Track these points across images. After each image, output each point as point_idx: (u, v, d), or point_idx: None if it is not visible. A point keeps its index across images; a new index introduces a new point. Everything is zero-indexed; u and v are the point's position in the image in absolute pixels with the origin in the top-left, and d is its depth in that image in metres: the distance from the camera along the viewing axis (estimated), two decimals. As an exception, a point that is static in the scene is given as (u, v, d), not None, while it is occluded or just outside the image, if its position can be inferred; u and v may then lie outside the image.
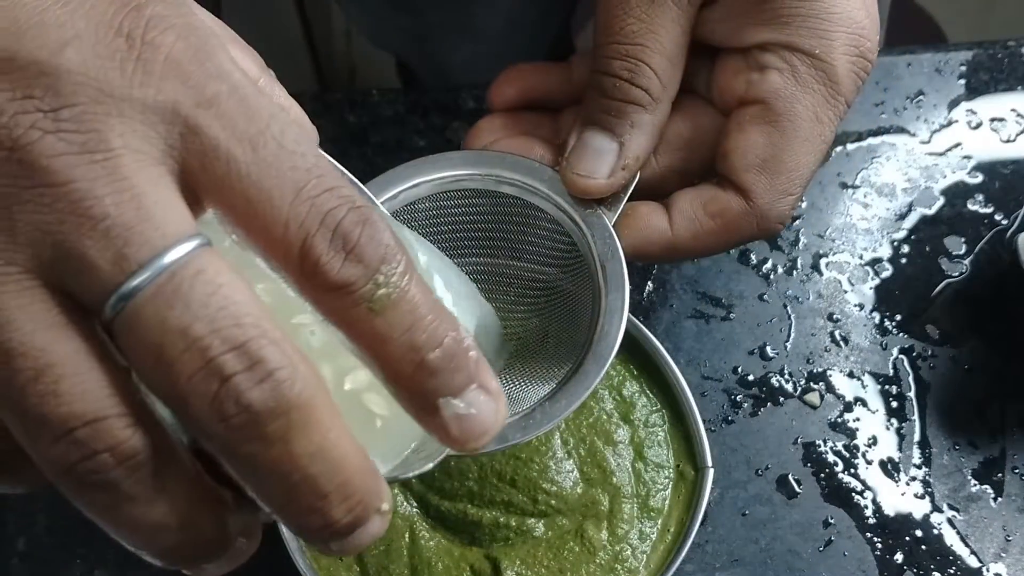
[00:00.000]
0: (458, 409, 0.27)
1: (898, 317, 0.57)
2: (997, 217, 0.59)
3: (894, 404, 0.55)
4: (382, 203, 0.42)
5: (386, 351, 0.26)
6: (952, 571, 0.52)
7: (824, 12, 0.40)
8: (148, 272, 0.24)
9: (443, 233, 0.44)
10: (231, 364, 0.24)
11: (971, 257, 0.58)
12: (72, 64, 0.25)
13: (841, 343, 0.56)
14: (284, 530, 0.46)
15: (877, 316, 0.57)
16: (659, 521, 0.48)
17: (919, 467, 0.54)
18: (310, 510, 0.26)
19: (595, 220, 0.41)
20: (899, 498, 0.53)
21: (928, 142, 0.60)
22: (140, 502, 0.25)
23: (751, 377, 0.55)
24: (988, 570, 0.52)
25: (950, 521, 0.53)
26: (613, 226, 0.41)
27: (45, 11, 0.25)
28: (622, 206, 0.42)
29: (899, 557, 0.52)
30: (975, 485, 0.53)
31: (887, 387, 0.55)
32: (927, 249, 0.58)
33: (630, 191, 0.42)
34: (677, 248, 0.42)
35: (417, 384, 0.27)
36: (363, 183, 0.37)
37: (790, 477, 0.53)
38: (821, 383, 0.55)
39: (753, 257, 0.58)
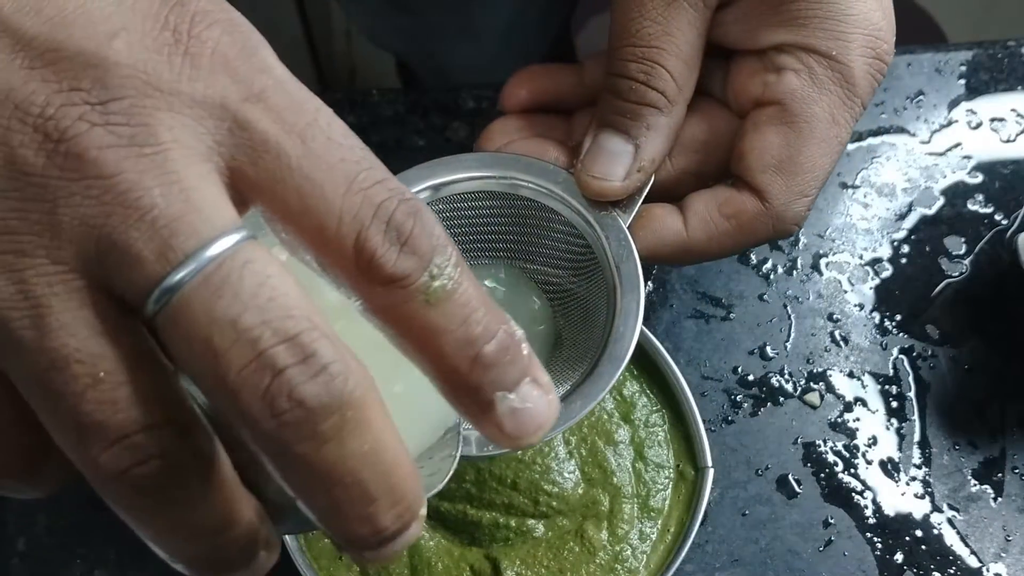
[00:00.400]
0: (513, 403, 0.26)
1: (898, 317, 0.57)
2: (997, 217, 0.59)
3: (894, 404, 0.55)
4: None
5: (441, 345, 0.26)
6: (952, 571, 0.52)
7: (841, 14, 0.40)
8: (195, 262, 0.23)
9: (457, 236, 0.44)
10: (283, 357, 0.23)
11: (971, 257, 0.58)
12: (120, 56, 0.24)
13: (841, 343, 0.56)
14: (284, 530, 0.46)
15: (877, 316, 0.57)
16: (659, 521, 0.48)
17: (919, 467, 0.54)
18: (358, 517, 0.25)
19: (610, 222, 0.41)
20: (899, 498, 0.53)
21: (928, 142, 0.60)
22: (182, 507, 0.24)
23: (751, 377, 0.55)
24: (988, 570, 0.52)
25: (950, 521, 0.53)
26: (628, 228, 0.41)
27: (91, 2, 0.25)
28: (637, 208, 0.42)
29: (899, 557, 0.52)
30: (975, 485, 0.53)
31: (887, 387, 0.55)
32: (927, 249, 0.58)
33: (645, 193, 0.42)
34: (692, 250, 0.42)
35: (473, 379, 0.26)
36: None
37: (790, 477, 0.53)
38: (821, 383, 0.55)
39: (753, 257, 0.58)
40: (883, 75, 0.42)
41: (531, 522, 0.47)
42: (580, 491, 0.48)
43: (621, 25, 0.41)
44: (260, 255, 0.24)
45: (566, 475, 0.48)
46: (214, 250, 0.23)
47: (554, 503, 0.47)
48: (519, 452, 0.47)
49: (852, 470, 0.54)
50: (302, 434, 0.23)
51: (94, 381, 0.23)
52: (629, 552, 0.48)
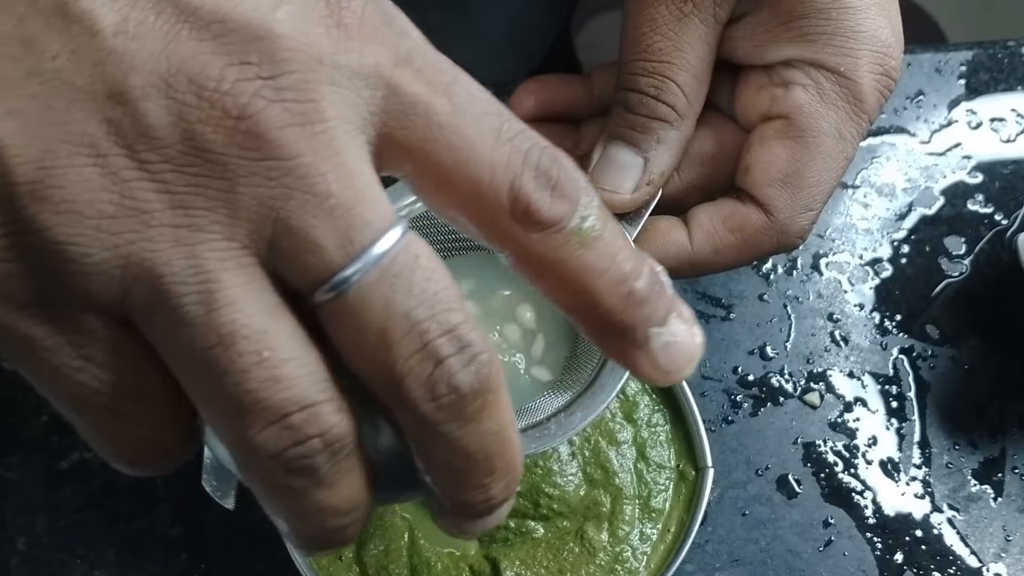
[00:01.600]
0: (665, 338, 0.27)
1: (898, 317, 0.57)
2: (997, 217, 0.59)
3: (894, 404, 0.55)
4: (398, 211, 0.41)
5: (596, 286, 0.26)
6: (952, 571, 0.52)
7: (850, 30, 0.40)
8: (370, 255, 0.24)
9: (462, 245, 0.43)
10: (446, 347, 0.24)
11: (971, 257, 0.58)
12: (284, 28, 0.24)
13: (841, 343, 0.56)
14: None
15: (877, 316, 0.57)
16: (660, 522, 0.48)
17: (919, 467, 0.54)
18: (477, 487, 0.26)
19: None
20: (899, 498, 0.53)
21: (928, 142, 0.60)
22: (329, 487, 0.25)
23: (751, 377, 0.55)
24: (988, 570, 0.52)
25: (950, 521, 0.53)
26: (634, 241, 0.41)
27: None
28: (643, 221, 0.42)
29: (899, 557, 0.52)
30: (975, 485, 0.53)
31: (887, 387, 0.55)
32: (927, 249, 0.58)
33: (652, 207, 0.42)
34: (697, 263, 0.42)
35: (628, 316, 0.27)
36: None
37: (790, 477, 0.53)
38: (821, 383, 0.55)
39: (753, 257, 0.58)
40: (890, 91, 0.42)
41: (531, 523, 0.47)
42: (582, 492, 0.48)
43: (632, 39, 0.41)
44: (423, 248, 0.25)
45: (568, 477, 0.48)
46: (386, 243, 0.24)
47: (555, 505, 0.47)
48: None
49: (852, 470, 0.54)
50: (453, 415, 0.25)
51: (259, 359, 0.23)
52: (629, 552, 0.48)
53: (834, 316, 0.57)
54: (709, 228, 0.42)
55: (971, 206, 0.59)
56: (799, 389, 0.55)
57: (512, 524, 0.47)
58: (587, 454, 0.48)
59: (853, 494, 0.53)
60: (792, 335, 0.56)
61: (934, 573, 0.52)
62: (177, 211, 0.23)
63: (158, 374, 0.25)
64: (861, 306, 0.57)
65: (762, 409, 0.55)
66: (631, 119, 0.41)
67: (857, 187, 0.59)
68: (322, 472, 0.24)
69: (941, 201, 0.59)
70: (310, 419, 0.24)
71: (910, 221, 0.59)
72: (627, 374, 0.39)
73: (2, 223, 0.23)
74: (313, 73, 0.24)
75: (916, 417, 0.55)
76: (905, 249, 0.58)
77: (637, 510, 0.48)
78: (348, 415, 0.25)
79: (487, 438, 0.25)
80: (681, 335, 0.27)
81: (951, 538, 0.52)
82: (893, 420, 0.55)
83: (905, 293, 0.57)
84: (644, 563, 0.48)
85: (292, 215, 0.23)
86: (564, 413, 0.39)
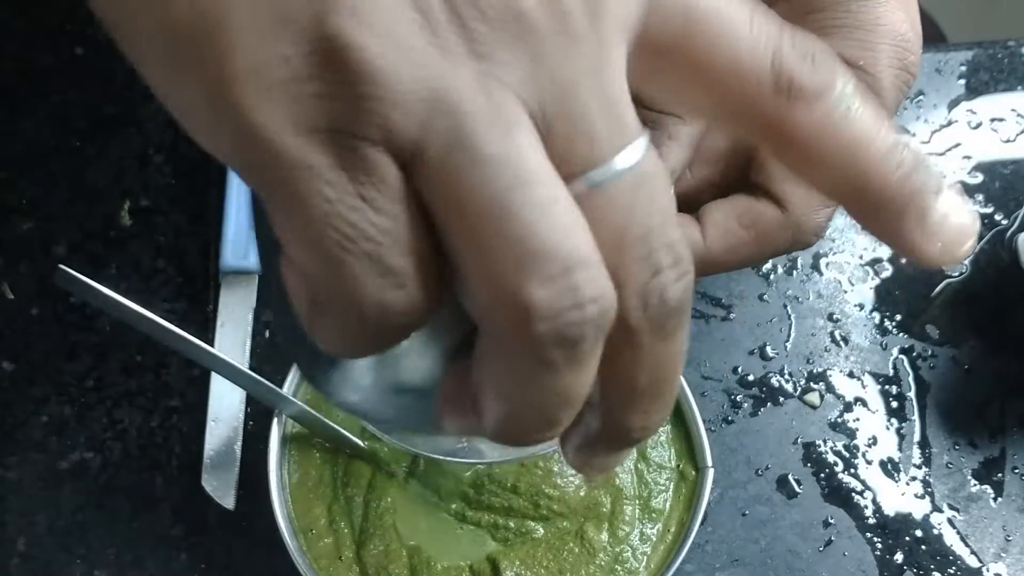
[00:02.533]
0: (943, 209, 0.27)
1: (898, 317, 0.57)
2: (997, 217, 0.59)
3: (894, 404, 0.55)
4: None
5: (868, 155, 0.26)
6: (952, 571, 0.52)
7: (870, 24, 0.39)
8: (630, 157, 0.24)
9: None
10: (665, 258, 0.24)
11: (971, 257, 0.58)
12: None
13: (841, 343, 0.56)
14: (284, 530, 0.46)
15: (877, 316, 0.57)
16: (660, 522, 0.48)
17: (919, 467, 0.54)
18: (641, 410, 0.26)
19: None
20: (899, 498, 0.53)
21: (928, 142, 0.60)
22: (579, 368, 0.24)
23: (751, 377, 0.55)
24: (988, 570, 0.52)
25: (950, 521, 0.53)
26: None
27: None
28: None
29: (899, 557, 0.52)
30: (975, 485, 0.53)
31: (887, 387, 0.55)
32: (927, 249, 0.58)
33: None
34: (710, 262, 0.41)
35: (906, 186, 0.26)
36: None
37: (790, 477, 0.53)
38: (821, 383, 0.55)
39: (753, 257, 0.58)
40: (909, 87, 0.41)
41: (531, 523, 0.47)
42: (582, 493, 0.48)
43: None
44: (659, 160, 0.25)
45: (568, 478, 0.48)
46: (640, 147, 0.24)
47: (555, 506, 0.47)
48: (520, 459, 0.47)
49: (852, 470, 0.54)
50: (653, 326, 0.25)
51: (556, 201, 0.23)
52: (629, 552, 0.48)
53: (834, 316, 0.57)
54: (723, 226, 0.40)
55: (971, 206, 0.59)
56: (799, 389, 0.55)
57: (512, 524, 0.47)
58: None
59: (853, 494, 0.53)
60: (792, 335, 0.56)
61: (934, 573, 0.52)
62: (483, 61, 0.23)
63: (428, 229, 0.24)
64: (861, 306, 0.57)
65: (762, 409, 0.55)
66: (641, 114, 0.41)
67: (857, 187, 0.59)
68: (584, 347, 0.24)
69: (941, 201, 0.59)
70: (592, 280, 0.23)
71: (910, 221, 0.59)
72: None
73: (313, 39, 0.22)
74: None
75: (916, 417, 0.55)
76: (905, 249, 0.58)
77: (637, 510, 0.48)
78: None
79: (671, 359, 0.26)
80: (957, 205, 0.27)
81: (951, 538, 0.52)
82: (893, 420, 0.55)
83: (905, 293, 0.57)
84: (644, 563, 0.48)
85: (579, 97, 0.24)
86: None
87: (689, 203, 0.42)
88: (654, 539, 0.48)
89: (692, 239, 0.41)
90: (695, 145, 0.41)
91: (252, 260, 0.55)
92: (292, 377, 0.49)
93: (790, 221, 0.40)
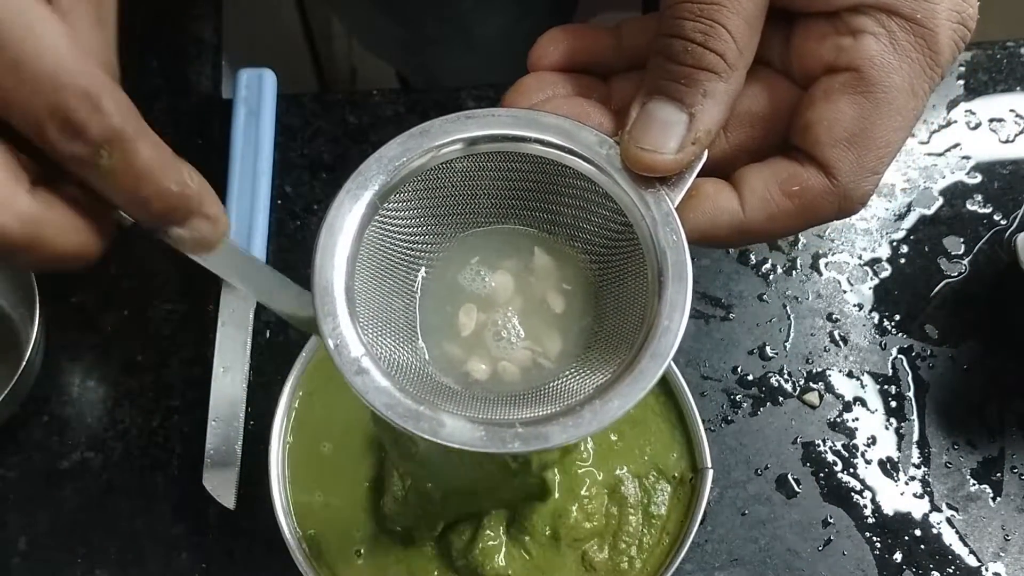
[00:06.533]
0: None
1: (897, 317, 0.57)
2: (996, 217, 0.59)
3: (893, 404, 0.55)
4: (417, 156, 0.38)
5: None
6: (951, 570, 0.52)
7: None
8: None
9: (479, 199, 0.40)
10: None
11: (970, 257, 0.58)
12: None
13: (840, 343, 0.56)
14: (285, 530, 0.46)
15: (876, 316, 0.57)
16: (659, 522, 0.48)
17: (918, 467, 0.54)
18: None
19: (655, 200, 0.37)
20: (898, 497, 0.53)
21: (927, 142, 0.61)
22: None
23: (751, 377, 0.55)
24: (987, 569, 0.52)
25: (949, 520, 0.53)
26: (677, 207, 0.37)
27: None
28: (688, 185, 0.37)
29: (898, 556, 0.52)
30: (974, 484, 0.53)
31: (886, 387, 0.55)
32: (926, 249, 0.58)
33: (697, 170, 0.38)
34: (749, 231, 0.38)
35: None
36: (367, 176, 0.36)
37: (789, 477, 0.54)
38: (820, 383, 0.55)
39: (753, 257, 0.58)
40: (965, 43, 0.38)
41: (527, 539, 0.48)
42: (598, 518, 0.48)
43: None
44: None
45: (593, 503, 0.48)
46: None
47: (578, 533, 0.48)
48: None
49: (851, 470, 0.54)
50: None
51: None
52: (630, 552, 0.48)
53: (833, 316, 0.57)
54: (763, 192, 0.38)
55: (970, 206, 0.59)
56: (798, 389, 0.55)
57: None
58: (602, 475, 0.49)
59: (852, 494, 0.53)
60: (791, 335, 0.56)
61: (933, 572, 0.52)
62: None
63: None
64: (860, 306, 0.57)
65: (761, 409, 0.55)
66: (674, 70, 0.37)
67: (856, 187, 0.59)
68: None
69: (940, 201, 0.59)
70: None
71: (909, 221, 0.59)
72: (670, 358, 0.35)
73: None
74: None
75: (915, 417, 0.55)
76: (904, 249, 0.58)
77: (640, 517, 0.48)
78: None
79: None
80: None
81: (950, 537, 0.53)
82: (892, 420, 0.55)
83: (904, 293, 0.57)
84: (644, 563, 0.48)
85: None
86: (599, 400, 0.35)
87: (722, 171, 0.39)
88: (654, 539, 0.48)
89: (729, 207, 0.38)
90: (732, 104, 0.38)
91: (252, 260, 0.55)
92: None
93: (837, 189, 0.37)
